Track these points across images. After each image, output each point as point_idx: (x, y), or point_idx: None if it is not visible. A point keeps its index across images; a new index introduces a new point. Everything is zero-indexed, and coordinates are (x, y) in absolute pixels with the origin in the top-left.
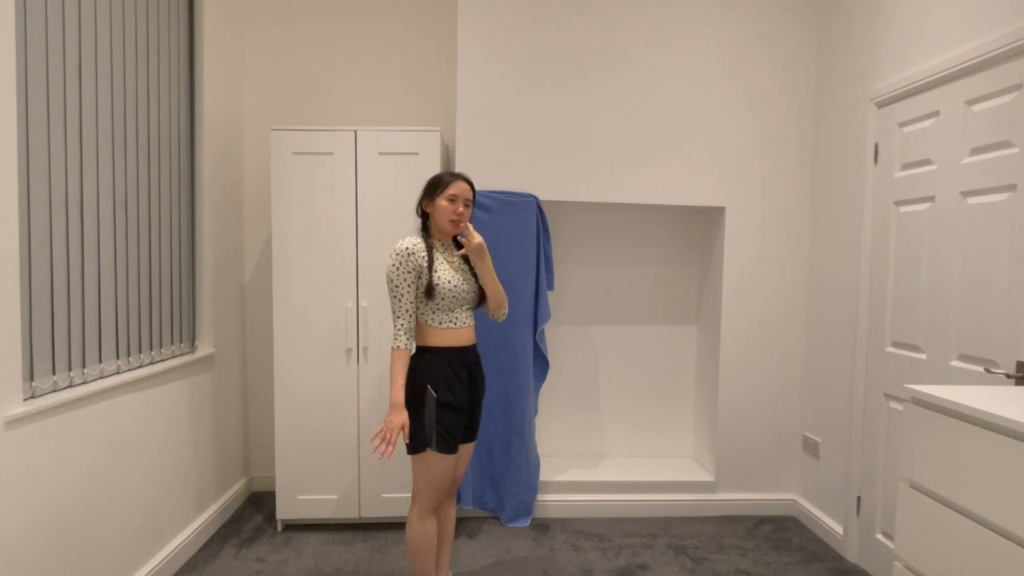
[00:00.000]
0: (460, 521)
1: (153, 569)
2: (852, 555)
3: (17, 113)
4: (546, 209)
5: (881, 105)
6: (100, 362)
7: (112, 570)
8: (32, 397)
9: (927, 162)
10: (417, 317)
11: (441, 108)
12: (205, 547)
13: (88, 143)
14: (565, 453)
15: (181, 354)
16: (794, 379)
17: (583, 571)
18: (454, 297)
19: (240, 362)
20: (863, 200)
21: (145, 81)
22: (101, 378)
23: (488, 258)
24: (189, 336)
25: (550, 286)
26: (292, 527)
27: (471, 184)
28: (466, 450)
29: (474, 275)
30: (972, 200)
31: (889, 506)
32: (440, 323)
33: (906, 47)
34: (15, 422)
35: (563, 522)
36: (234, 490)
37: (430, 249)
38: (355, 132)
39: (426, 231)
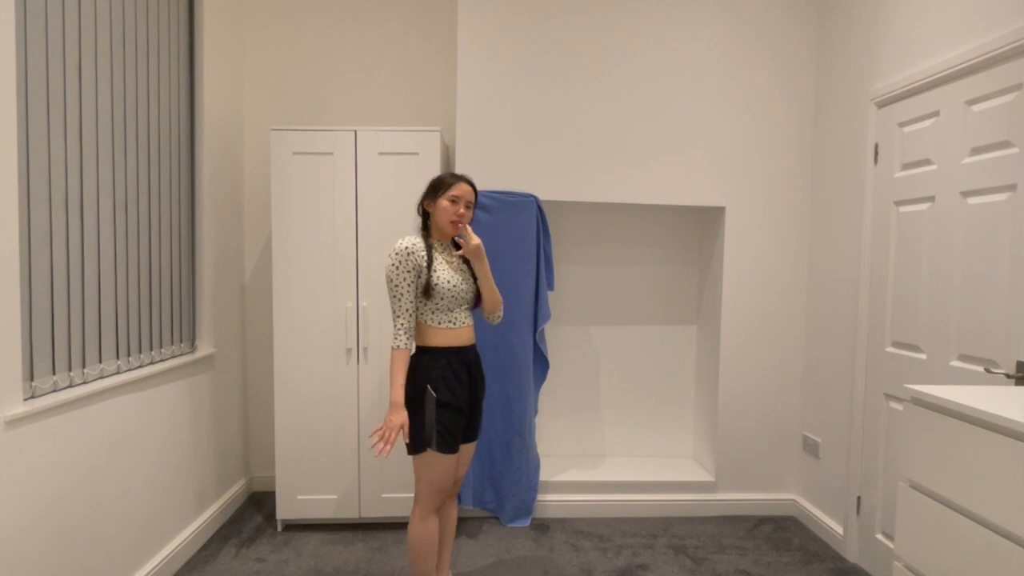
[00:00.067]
0: (460, 521)
1: (153, 569)
2: (852, 555)
3: (17, 113)
4: (546, 209)
5: (881, 105)
6: (100, 362)
7: (112, 570)
8: (32, 397)
9: (927, 162)
10: (416, 317)
11: (441, 108)
12: (205, 547)
13: (88, 143)
14: (565, 453)
15: (181, 354)
16: (794, 379)
17: (583, 571)
18: (453, 297)
19: (240, 362)
20: (863, 200)
21: (145, 81)
22: (101, 378)
23: (485, 260)
24: (189, 336)
25: (550, 286)
26: (292, 527)
27: (474, 187)
28: (467, 450)
29: (473, 275)
30: (972, 200)
31: (889, 506)
32: (439, 323)
33: (906, 47)
34: (15, 422)
35: (563, 522)
36: (234, 490)
37: (429, 248)
38: (355, 132)
39: (426, 230)
